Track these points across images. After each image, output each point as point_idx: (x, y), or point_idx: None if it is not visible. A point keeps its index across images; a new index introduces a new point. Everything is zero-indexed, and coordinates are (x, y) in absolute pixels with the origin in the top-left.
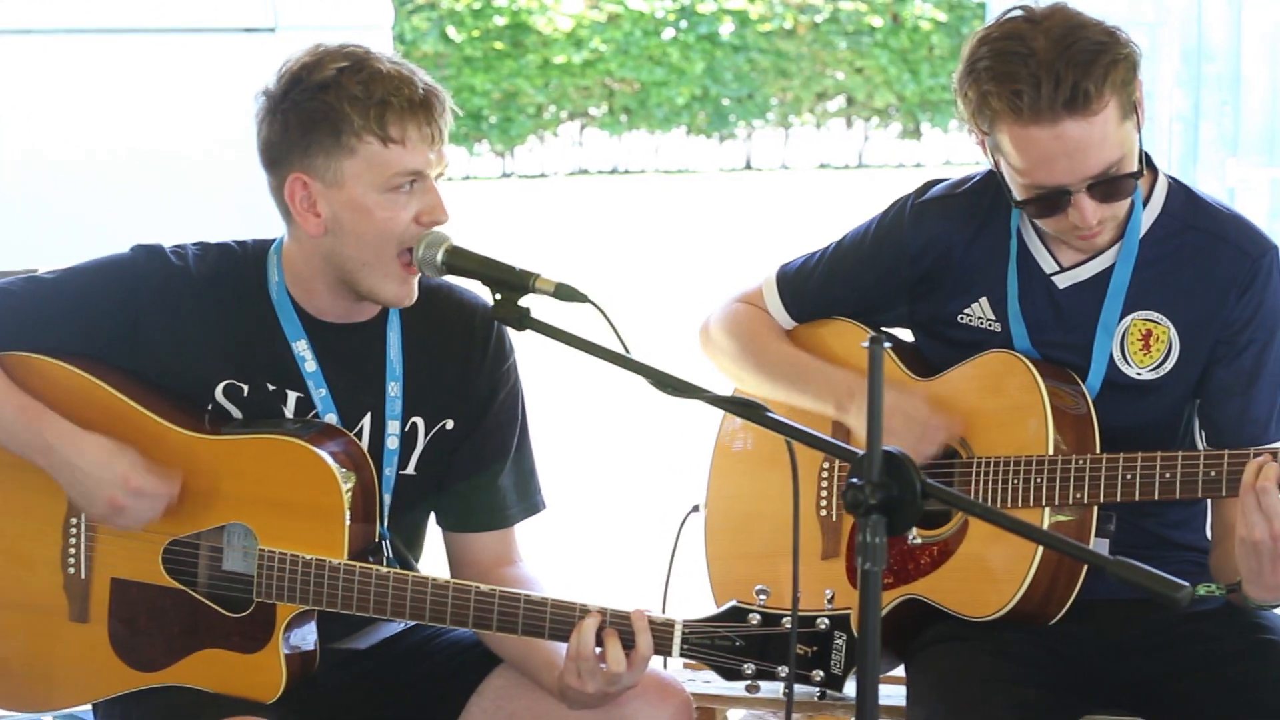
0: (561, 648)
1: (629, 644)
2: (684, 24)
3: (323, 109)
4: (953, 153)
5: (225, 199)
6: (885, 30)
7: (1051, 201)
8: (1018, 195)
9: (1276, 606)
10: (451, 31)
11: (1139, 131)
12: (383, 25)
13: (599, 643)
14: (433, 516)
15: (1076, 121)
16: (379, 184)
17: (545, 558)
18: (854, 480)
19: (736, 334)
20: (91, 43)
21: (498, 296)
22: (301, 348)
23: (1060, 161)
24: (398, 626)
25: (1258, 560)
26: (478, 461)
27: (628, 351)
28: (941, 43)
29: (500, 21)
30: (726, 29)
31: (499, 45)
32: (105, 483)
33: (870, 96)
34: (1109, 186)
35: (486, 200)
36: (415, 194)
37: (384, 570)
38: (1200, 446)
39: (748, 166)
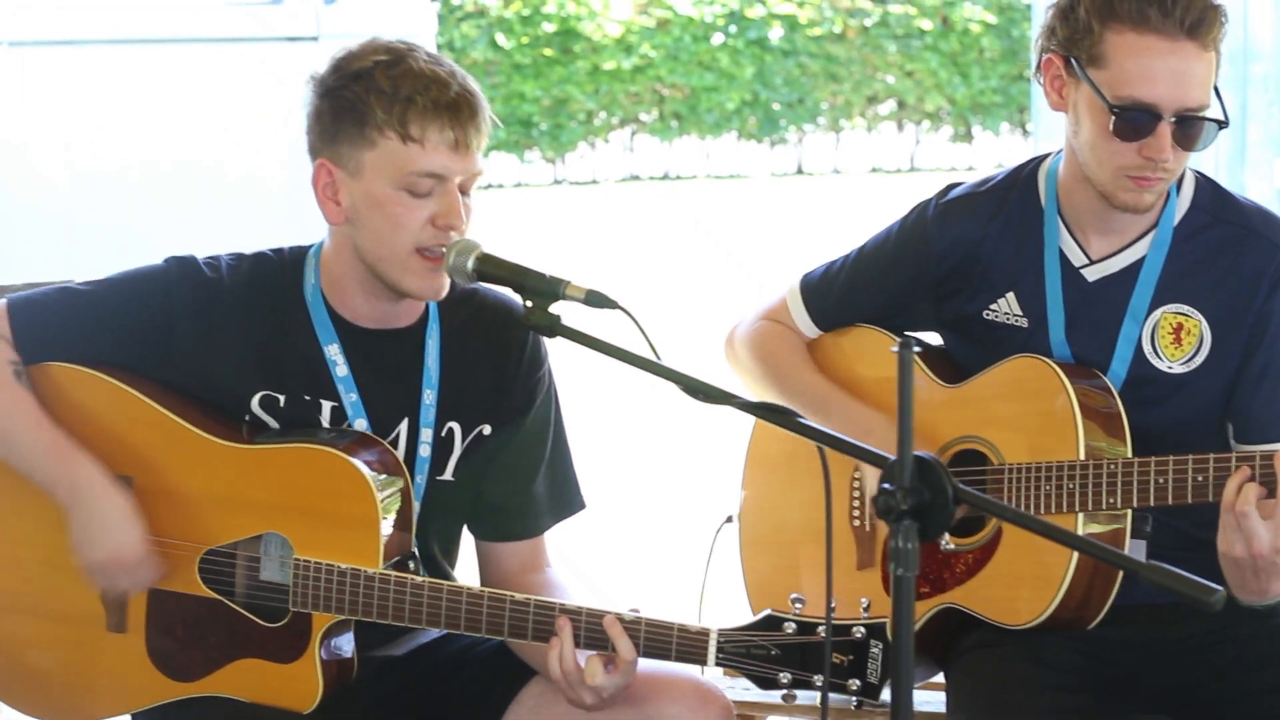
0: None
1: (610, 647)
2: (733, 29)
3: (351, 98)
4: (1004, 156)
5: (267, 208)
6: (935, 33)
7: (1137, 122)
8: (1110, 101)
9: (1270, 604)
10: (500, 38)
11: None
12: (425, 33)
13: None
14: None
15: (1194, 47)
16: (395, 180)
17: (581, 567)
18: (885, 486)
19: (761, 356)
20: (134, 53)
21: (528, 303)
22: (333, 351)
23: (1165, 80)
24: (436, 633)
25: (1239, 572)
26: (512, 469)
27: (658, 357)
28: (991, 45)
29: (549, 28)
30: (776, 34)
31: (548, 52)
32: (118, 537)
33: (921, 100)
34: (1193, 128)
35: (538, 207)
36: (434, 196)
37: (419, 579)
38: (1231, 446)
39: (799, 171)
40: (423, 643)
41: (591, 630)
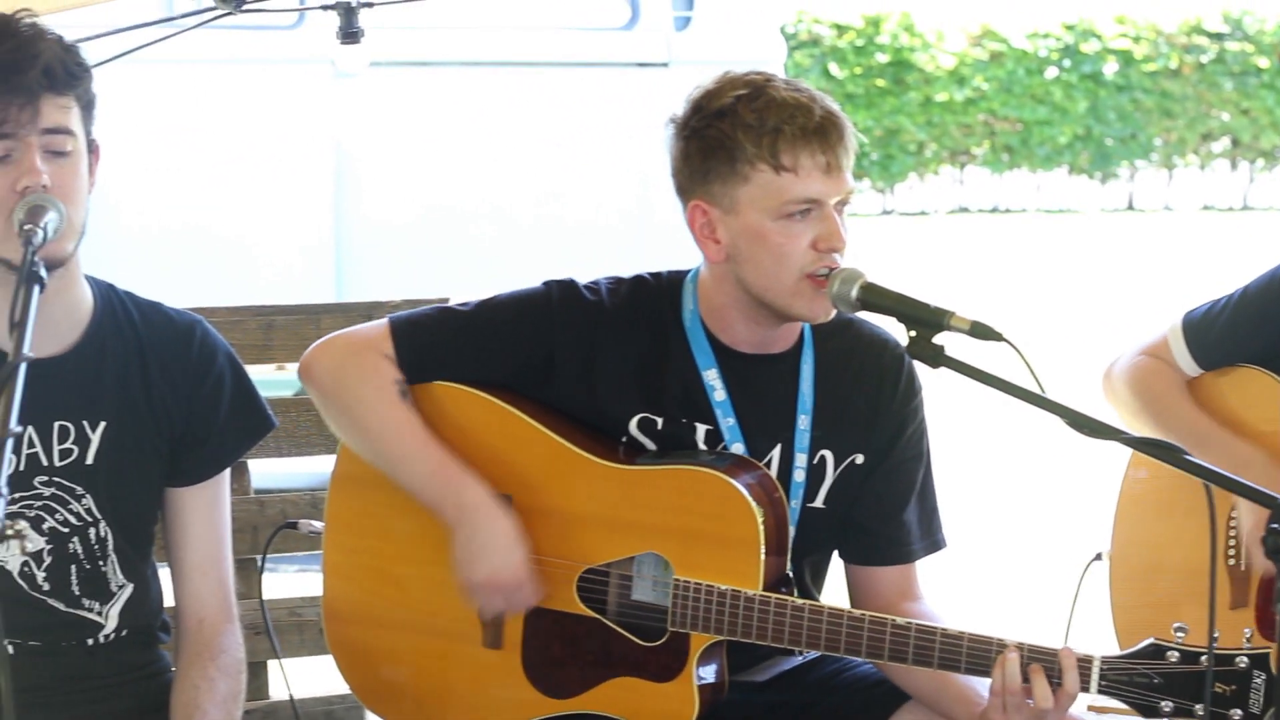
0: (975, 682)
1: (1055, 681)
2: (1067, 63)
3: (719, 137)
4: None
5: (617, 233)
6: (1272, 71)
7: None
8: None
9: None
10: (834, 68)
11: None
12: (775, 60)
13: (1024, 678)
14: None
15: None
16: (773, 211)
17: (943, 596)
18: (1275, 526)
19: (1139, 390)
20: (487, 76)
21: (912, 334)
22: (711, 377)
23: None
24: (797, 660)
25: None
26: (884, 496)
27: (1043, 391)
28: None
29: (882, 59)
30: (1110, 68)
31: (881, 82)
32: (500, 559)
33: (1256, 138)
34: None
35: (867, 237)
36: (812, 220)
37: (799, 601)
38: None
39: (1130, 207)
40: (785, 669)
41: (974, 656)
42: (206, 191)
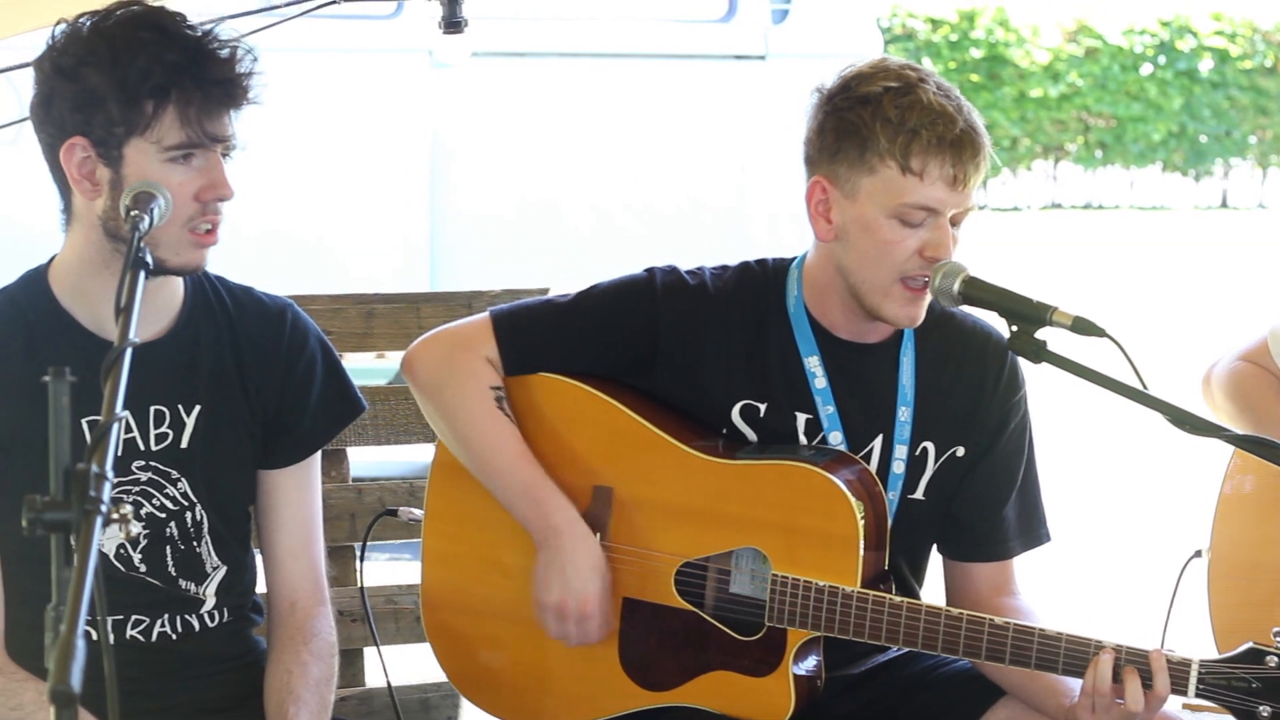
0: (1069, 680)
1: (1146, 683)
2: (1163, 60)
3: (857, 123)
4: None
5: (716, 226)
6: None
7: None
8: None
9: None
10: (927, 63)
11: None
12: (872, 55)
13: (1115, 678)
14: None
15: None
16: (888, 209)
17: (1042, 591)
18: None
19: (1235, 397)
20: (584, 67)
21: (1014, 328)
22: (813, 364)
23: None
24: (895, 652)
25: None
26: (983, 491)
27: (1145, 387)
28: None
29: (977, 54)
30: (1206, 65)
31: (975, 77)
32: (577, 586)
33: None
34: None
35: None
36: (925, 227)
37: (897, 600)
38: None
39: (1224, 205)
40: (880, 661)
41: (1071, 657)
42: (301, 181)
